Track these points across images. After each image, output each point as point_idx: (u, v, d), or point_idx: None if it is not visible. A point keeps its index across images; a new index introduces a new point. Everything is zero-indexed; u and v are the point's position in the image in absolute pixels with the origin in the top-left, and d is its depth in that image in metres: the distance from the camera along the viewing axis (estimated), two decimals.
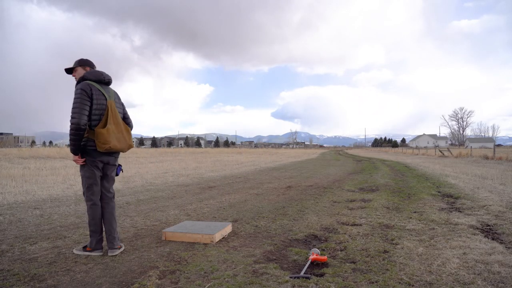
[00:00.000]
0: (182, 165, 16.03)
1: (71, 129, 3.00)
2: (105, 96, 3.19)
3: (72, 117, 3.00)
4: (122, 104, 3.48)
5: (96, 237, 3.20)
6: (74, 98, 3.04)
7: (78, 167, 13.46)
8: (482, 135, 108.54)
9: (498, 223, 4.20)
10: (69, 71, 3.35)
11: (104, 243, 3.33)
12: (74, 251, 3.21)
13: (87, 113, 3.05)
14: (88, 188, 3.19)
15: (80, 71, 3.28)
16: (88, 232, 3.37)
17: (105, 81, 3.29)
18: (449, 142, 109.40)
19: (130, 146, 3.35)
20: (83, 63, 3.31)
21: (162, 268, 2.81)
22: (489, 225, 4.15)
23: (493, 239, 3.56)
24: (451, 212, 4.98)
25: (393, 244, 3.41)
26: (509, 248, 3.25)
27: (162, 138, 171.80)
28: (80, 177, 3.25)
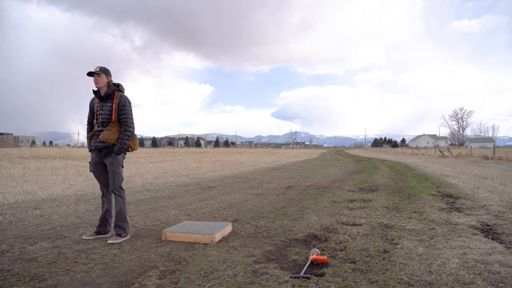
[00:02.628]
0: (182, 165, 16.03)
1: (129, 135, 3.69)
2: None
3: (131, 126, 3.71)
4: None
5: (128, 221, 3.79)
6: (129, 109, 3.70)
7: (78, 167, 13.47)
8: (482, 135, 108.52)
9: (498, 223, 4.20)
10: (91, 74, 3.65)
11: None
12: (109, 241, 3.52)
13: None
14: (122, 181, 3.76)
15: (104, 79, 3.67)
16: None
17: None
18: (449, 142, 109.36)
19: None
20: (109, 72, 3.73)
21: (162, 268, 2.81)
22: (489, 225, 4.15)
23: (493, 239, 3.56)
24: (451, 212, 4.98)
25: (393, 244, 3.41)
26: (509, 248, 3.25)
27: (162, 138, 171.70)
28: (116, 174, 3.69)
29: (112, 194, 3.78)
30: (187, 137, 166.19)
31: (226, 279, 2.53)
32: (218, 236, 3.59)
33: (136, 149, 3.87)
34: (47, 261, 2.98)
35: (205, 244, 3.47)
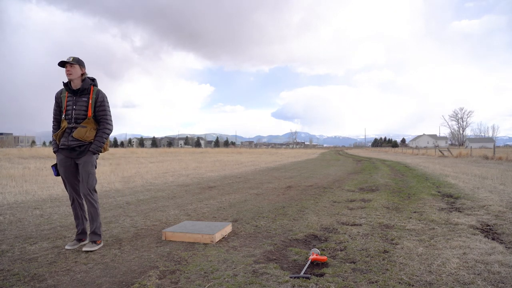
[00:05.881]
0: (182, 165, 16.03)
1: (108, 133, 3.45)
2: None
3: (111, 124, 3.49)
4: None
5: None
6: (107, 106, 3.45)
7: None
8: (482, 135, 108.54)
9: (498, 223, 4.20)
10: (63, 64, 3.35)
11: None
12: (85, 248, 3.26)
13: None
14: (96, 183, 3.47)
15: (78, 70, 3.36)
16: (79, 230, 3.55)
17: None
18: (449, 142, 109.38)
19: None
20: (83, 64, 3.45)
21: (162, 268, 2.81)
22: (489, 225, 4.15)
23: (493, 239, 3.57)
24: (451, 212, 4.98)
25: (393, 244, 3.41)
26: (509, 248, 3.25)
27: (162, 138, 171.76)
28: (90, 174, 3.39)
29: (84, 198, 3.41)
30: (187, 137, 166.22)
31: (226, 279, 2.53)
32: (218, 236, 3.59)
33: (108, 150, 3.58)
34: (47, 261, 2.98)
35: (205, 244, 3.47)
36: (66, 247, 3.33)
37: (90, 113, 3.37)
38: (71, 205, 3.47)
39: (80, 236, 3.47)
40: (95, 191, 3.44)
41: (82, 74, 3.42)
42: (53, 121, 3.50)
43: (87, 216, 3.53)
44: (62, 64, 3.34)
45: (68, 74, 3.32)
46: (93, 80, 3.52)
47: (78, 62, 3.37)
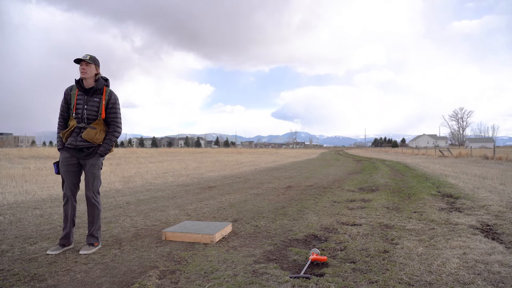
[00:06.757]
0: (182, 165, 16.03)
1: (117, 136, 3.44)
2: None
3: (120, 127, 3.44)
4: None
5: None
6: (118, 108, 3.43)
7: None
8: (482, 135, 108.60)
9: (498, 223, 4.20)
10: (79, 61, 3.27)
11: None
12: (82, 252, 3.17)
13: None
14: (100, 185, 3.46)
15: (93, 70, 3.30)
16: (85, 232, 3.56)
17: None
18: (449, 142, 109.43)
19: None
20: (99, 63, 3.40)
21: (162, 268, 2.81)
22: (489, 225, 4.15)
23: (493, 239, 3.56)
24: (451, 212, 4.98)
25: (393, 244, 3.41)
26: (509, 248, 3.25)
27: (162, 138, 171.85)
28: (96, 177, 3.38)
29: (88, 200, 3.37)
30: (187, 137, 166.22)
31: (226, 279, 2.53)
32: (218, 236, 3.59)
33: (113, 151, 3.51)
34: (47, 261, 2.98)
35: (205, 244, 3.47)
36: (48, 252, 3.16)
37: (104, 114, 3.33)
38: (64, 205, 3.33)
39: (64, 241, 3.28)
40: (99, 193, 3.42)
41: (96, 74, 3.35)
42: (59, 118, 3.38)
43: (75, 220, 3.40)
44: (78, 61, 3.26)
45: (82, 73, 3.25)
46: (106, 80, 3.45)
47: (94, 61, 3.30)
